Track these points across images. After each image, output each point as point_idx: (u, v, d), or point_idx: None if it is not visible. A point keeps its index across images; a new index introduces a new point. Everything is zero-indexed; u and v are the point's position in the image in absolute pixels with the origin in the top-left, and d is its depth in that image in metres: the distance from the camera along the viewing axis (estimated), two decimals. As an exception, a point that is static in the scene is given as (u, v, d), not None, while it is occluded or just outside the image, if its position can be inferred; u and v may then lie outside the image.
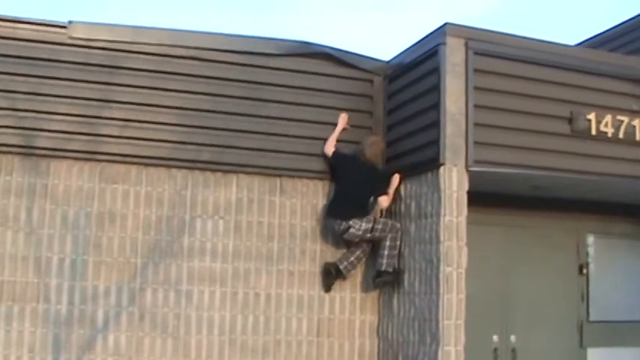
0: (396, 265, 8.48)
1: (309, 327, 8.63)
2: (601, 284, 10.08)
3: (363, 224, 8.38)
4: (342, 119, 8.81)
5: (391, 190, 8.59)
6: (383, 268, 8.43)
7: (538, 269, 9.60)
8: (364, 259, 8.79)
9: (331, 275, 8.62)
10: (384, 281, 8.49)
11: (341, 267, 8.60)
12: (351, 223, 8.36)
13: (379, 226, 8.44)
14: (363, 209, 8.55)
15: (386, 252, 8.42)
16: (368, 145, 8.66)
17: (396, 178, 8.58)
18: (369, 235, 8.42)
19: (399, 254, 8.51)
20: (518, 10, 30.76)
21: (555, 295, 9.72)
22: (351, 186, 8.57)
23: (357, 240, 8.53)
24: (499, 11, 29.83)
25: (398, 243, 8.48)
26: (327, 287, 8.71)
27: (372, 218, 8.49)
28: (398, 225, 8.50)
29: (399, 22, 31.32)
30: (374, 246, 8.66)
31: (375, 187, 8.62)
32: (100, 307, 8.04)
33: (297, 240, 8.67)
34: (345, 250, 8.74)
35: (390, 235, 8.45)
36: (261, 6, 31.31)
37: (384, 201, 8.60)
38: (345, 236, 8.49)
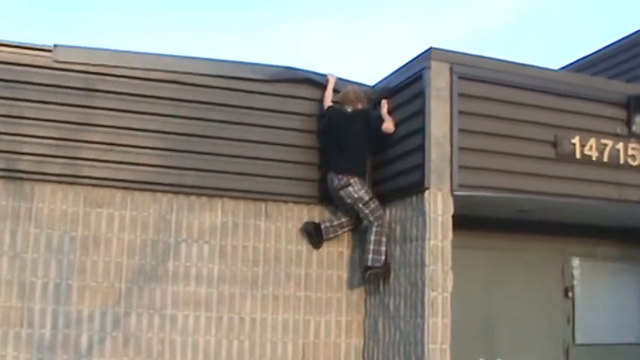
0: (384, 259, 8.42)
1: (295, 351, 8.58)
2: (587, 307, 10.08)
3: (362, 192, 8.42)
4: (331, 77, 8.93)
5: (385, 115, 8.49)
6: (369, 263, 8.39)
7: (523, 292, 9.60)
8: (346, 230, 8.85)
9: (312, 235, 8.70)
10: (374, 273, 8.42)
11: (322, 226, 8.69)
12: (352, 181, 8.41)
13: (372, 205, 8.45)
14: (361, 163, 8.60)
15: (372, 247, 8.39)
16: (344, 97, 8.81)
17: (384, 103, 8.54)
18: (361, 205, 8.42)
19: (388, 247, 8.47)
20: (502, 35, 31.00)
21: (541, 318, 9.71)
22: (345, 139, 8.58)
23: (348, 202, 8.49)
24: (483, 35, 30.02)
25: (384, 238, 8.45)
26: (315, 245, 8.78)
27: (371, 193, 8.49)
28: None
29: (383, 46, 31.51)
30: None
31: (369, 131, 8.62)
32: (84, 332, 7.99)
33: (282, 264, 8.66)
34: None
35: (375, 227, 8.41)
36: (246, 30, 31.42)
37: (388, 128, 8.46)
38: (341, 192, 8.45)
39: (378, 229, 8.42)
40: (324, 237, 8.75)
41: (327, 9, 32.25)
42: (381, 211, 8.50)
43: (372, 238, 8.41)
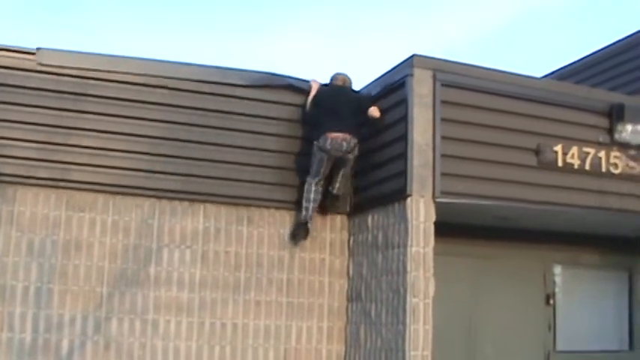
0: None
1: (276, 357, 8.57)
2: (568, 314, 10.14)
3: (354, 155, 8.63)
4: (315, 83, 8.95)
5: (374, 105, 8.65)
6: (335, 191, 8.79)
7: (505, 299, 9.65)
8: None
9: (301, 233, 8.76)
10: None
11: (308, 223, 8.71)
12: (356, 145, 8.50)
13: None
14: (358, 129, 8.63)
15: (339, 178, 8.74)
16: (333, 79, 8.99)
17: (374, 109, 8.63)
18: (351, 165, 8.71)
19: None
20: (485, 42, 31.10)
21: (522, 325, 9.76)
22: (342, 106, 8.63)
23: (346, 166, 8.66)
24: (466, 43, 30.13)
25: None
26: (305, 236, 8.80)
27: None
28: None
29: (369, 52, 31.57)
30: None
31: (359, 105, 8.67)
32: (64, 336, 7.96)
33: (264, 270, 8.65)
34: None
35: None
36: (232, 36, 31.43)
37: (375, 111, 8.54)
38: (349, 155, 8.51)
39: (349, 169, 8.79)
40: (309, 223, 8.75)
41: (313, 15, 32.32)
42: None
43: (339, 178, 8.73)
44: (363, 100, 8.75)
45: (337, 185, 8.80)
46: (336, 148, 8.45)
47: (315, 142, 8.51)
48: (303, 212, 8.65)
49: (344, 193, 8.94)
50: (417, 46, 34.12)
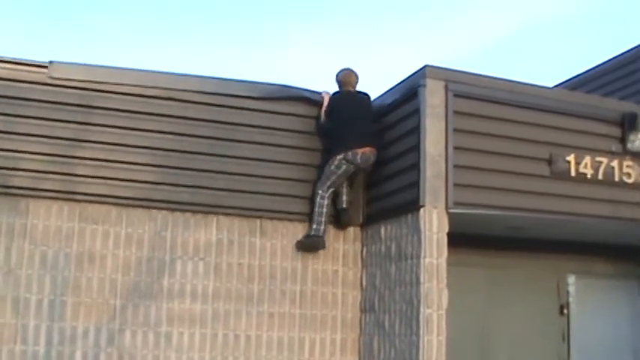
0: None
1: (290, 369, 8.59)
2: (582, 324, 10.07)
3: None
4: (326, 95, 8.98)
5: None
6: (344, 205, 8.89)
7: (519, 310, 9.60)
8: None
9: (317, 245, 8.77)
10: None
11: (320, 235, 8.71)
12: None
13: None
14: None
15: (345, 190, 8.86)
16: (347, 78, 9.03)
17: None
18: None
19: None
20: (495, 52, 31.09)
21: (536, 335, 9.70)
22: (362, 116, 8.79)
23: (356, 176, 8.90)
24: (476, 53, 30.12)
25: None
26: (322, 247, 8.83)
27: None
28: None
29: (378, 64, 31.60)
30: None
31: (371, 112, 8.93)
32: (78, 349, 7.96)
33: (278, 281, 8.64)
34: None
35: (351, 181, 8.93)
36: (249, 46, 31.47)
37: None
38: (367, 167, 8.70)
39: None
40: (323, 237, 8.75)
41: (323, 27, 32.37)
42: None
43: (347, 189, 8.86)
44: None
45: (345, 198, 8.84)
46: (365, 162, 8.57)
47: (339, 156, 8.54)
48: (317, 226, 8.64)
49: (353, 205, 8.93)
50: (426, 57, 33.91)
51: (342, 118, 8.73)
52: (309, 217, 8.76)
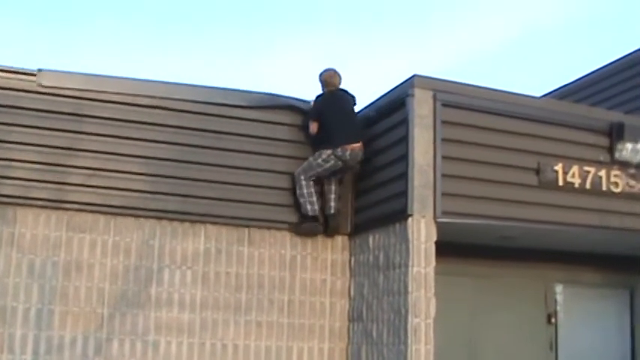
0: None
1: (278, 378, 8.57)
2: (570, 333, 10.10)
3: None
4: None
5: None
6: (332, 210, 8.87)
7: (506, 319, 9.62)
8: None
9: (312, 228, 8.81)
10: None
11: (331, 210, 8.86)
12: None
13: None
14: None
15: (334, 201, 8.87)
16: (332, 78, 9.08)
17: None
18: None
19: None
20: (483, 62, 31.16)
21: (524, 344, 9.72)
22: (350, 114, 8.92)
23: (348, 170, 8.87)
24: (464, 63, 30.18)
25: None
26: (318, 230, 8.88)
27: None
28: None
29: (366, 74, 31.63)
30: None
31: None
32: (65, 358, 7.93)
33: (266, 290, 8.62)
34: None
35: (336, 179, 8.93)
36: (238, 55, 31.49)
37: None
38: (355, 165, 8.75)
39: (338, 182, 8.97)
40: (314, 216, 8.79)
41: (310, 36, 32.40)
42: None
43: (335, 188, 8.89)
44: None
45: (333, 204, 8.85)
46: (354, 158, 8.62)
47: (328, 151, 8.58)
48: (310, 206, 8.68)
49: (341, 213, 8.92)
50: (414, 67, 34.11)
51: (328, 117, 8.76)
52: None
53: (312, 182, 8.70)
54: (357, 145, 8.61)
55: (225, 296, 8.48)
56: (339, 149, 8.56)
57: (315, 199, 8.69)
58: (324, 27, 31.80)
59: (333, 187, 8.87)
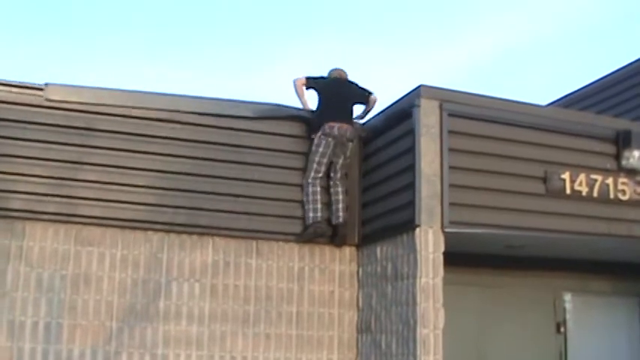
0: None
1: (287, 390, 8.57)
2: (579, 342, 10.07)
3: (353, 145, 8.96)
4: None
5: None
6: (341, 219, 8.82)
7: (515, 328, 9.60)
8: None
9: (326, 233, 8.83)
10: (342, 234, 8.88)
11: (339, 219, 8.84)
12: (355, 135, 8.89)
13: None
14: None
15: (342, 205, 8.83)
16: (336, 74, 9.33)
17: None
18: (345, 163, 8.90)
19: None
20: (487, 71, 31.15)
21: (533, 353, 9.70)
22: (347, 99, 9.08)
23: (345, 155, 8.86)
24: (469, 71, 30.17)
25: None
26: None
27: None
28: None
29: (371, 84, 31.58)
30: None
31: (357, 95, 9.22)
32: (74, 372, 7.95)
33: (274, 302, 8.62)
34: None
35: (343, 187, 8.89)
36: (239, 67, 31.51)
37: (374, 100, 9.22)
38: (350, 144, 8.84)
39: (345, 187, 8.91)
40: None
41: (316, 47, 32.43)
42: None
43: (342, 196, 8.84)
44: (362, 91, 9.20)
45: (341, 214, 8.82)
46: (342, 135, 8.74)
47: (318, 133, 8.73)
48: (313, 214, 8.70)
49: (348, 222, 8.90)
50: (418, 77, 34.22)
51: (322, 99, 9.00)
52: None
53: (317, 184, 8.75)
54: (345, 124, 8.78)
55: (233, 308, 8.47)
56: (326, 126, 8.69)
57: (319, 203, 8.71)
58: (329, 37, 31.87)
59: (340, 196, 8.84)
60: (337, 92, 9.06)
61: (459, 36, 32.05)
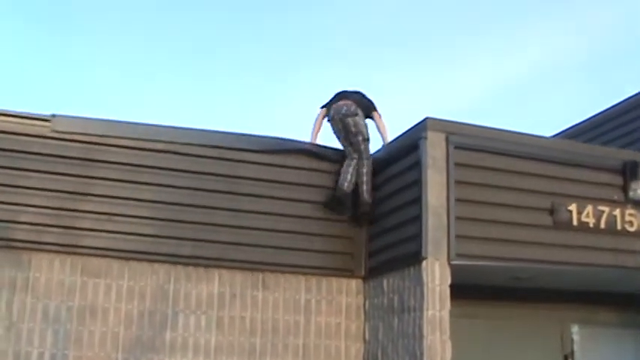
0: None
1: (293, 423, 8.51)
2: (587, 374, 10.01)
3: (365, 129, 9.13)
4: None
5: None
6: (367, 198, 8.89)
7: (523, 361, 9.54)
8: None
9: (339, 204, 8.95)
10: (367, 212, 8.93)
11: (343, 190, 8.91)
12: (359, 112, 9.09)
13: (368, 146, 9.10)
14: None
15: (366, 187, 8.91)
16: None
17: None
18: (361, 139, 9.01)
19: None
20: (492, 102, 31.13)
21: (541, 386, 9.64)
22: (345, 93, 9.40)
23: (352, 131, 9.02)
24: (477, 104, 30.16)
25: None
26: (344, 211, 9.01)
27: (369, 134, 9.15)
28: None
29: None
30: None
31: (360, 100, 9.37)
32: (80, 404, 7.92)
33: (280, 335, 8.59)
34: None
35: (367, 167, 8.98)
36: (243, 101, 31.56)
37: (377, 117, 9.38)
38: (349, 119, 9.04)
39: (370, 168, 8.98)
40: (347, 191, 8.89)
41: (321, 78, 32.48)
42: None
43: (366, 177, 8.92)
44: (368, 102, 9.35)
45: (365, 194, 8.88)
46: (336, 113, 9.09)
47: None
48: (338, 184, 8.87)
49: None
50: (423, 108, 34.25)
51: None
52: (311, 269, 8.80)
53: (351, 164, 8.96)
54: (341, 102, 9.11)
55: (239, 341, 8.45)
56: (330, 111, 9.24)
57: (348, 175, 8.91)
58: (334, 69, 31.90)
59: (364, 177, 8.93)
60: (343, 92, 9.38)
61: (463, 68, 32.02)
